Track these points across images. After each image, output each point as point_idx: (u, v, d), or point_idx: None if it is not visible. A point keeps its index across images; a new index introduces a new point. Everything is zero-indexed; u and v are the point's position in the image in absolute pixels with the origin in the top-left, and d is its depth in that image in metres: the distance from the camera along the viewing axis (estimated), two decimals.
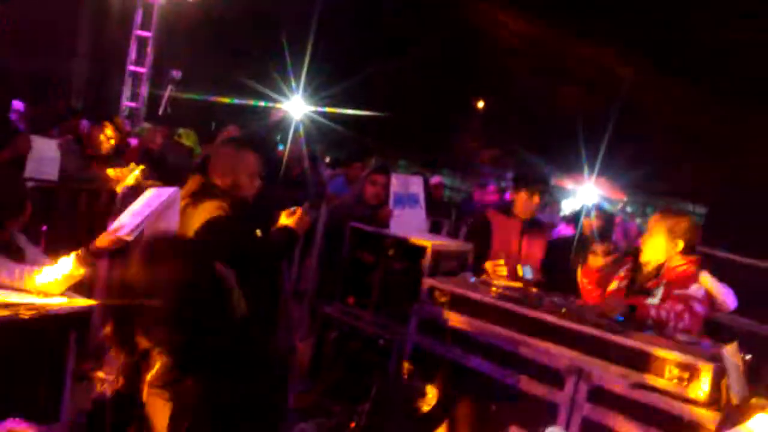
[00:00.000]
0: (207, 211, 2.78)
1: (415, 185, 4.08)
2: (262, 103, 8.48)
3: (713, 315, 3.20)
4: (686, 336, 2.70)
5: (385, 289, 3.62)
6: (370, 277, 3.69)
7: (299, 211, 3.13)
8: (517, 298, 2.95)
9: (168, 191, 2.70)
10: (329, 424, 3.14)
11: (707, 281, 3.01)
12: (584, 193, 11.49)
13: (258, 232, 3.00)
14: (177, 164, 5.14)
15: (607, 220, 4.56)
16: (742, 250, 4.91)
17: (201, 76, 10.04)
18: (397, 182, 3.96)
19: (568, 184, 14.76)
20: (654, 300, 2.96)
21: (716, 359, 2.36)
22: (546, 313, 2.79)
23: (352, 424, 3.08)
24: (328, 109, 9.87)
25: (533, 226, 4.08)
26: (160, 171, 4.69)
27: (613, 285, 3.20)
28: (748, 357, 2.55)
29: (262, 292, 2.82)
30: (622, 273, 3.24)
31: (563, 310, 2.76)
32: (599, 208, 4.29)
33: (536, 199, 4.02)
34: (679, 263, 3.02)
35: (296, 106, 9.33)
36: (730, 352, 2.37)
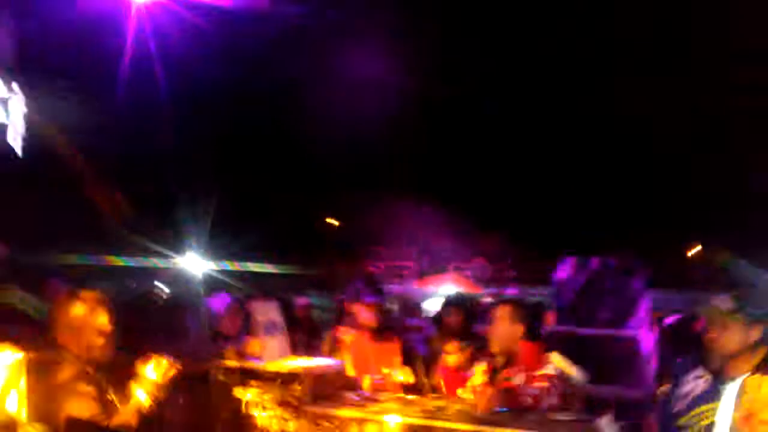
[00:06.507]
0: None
1: (272, 311, 3.97)
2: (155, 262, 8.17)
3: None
4: (565, 413, 2.80)
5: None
6: (246, 420, 3.49)
7: (163, 361, 2.93)
8: (399, 407, 2.93)
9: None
10: None
11: (557, 359, 3.18)
12: (444, 292, 11.89)
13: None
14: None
15: (465, 315, 4.59)
16: (586, 323, 5.21)
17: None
18: (258, 309, 3.83)
19: (430, 285, 15.19)
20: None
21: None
22: (433, 419, 2.78)
23: None
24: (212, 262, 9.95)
25: (381, 332, 4.14)
26: None
27: (479, 378, 3.25)
28: (621, 424, 2.69)
29: None
30: (484, 366, 3.32)
31: (448, 411, 2.78)
32: (454, 305, 4.41)
33: (371, 308, 4.13)
34: (527, 349, 3.18)
35: (192, 262, 9.18)
36: (605, 422, 2.50)
